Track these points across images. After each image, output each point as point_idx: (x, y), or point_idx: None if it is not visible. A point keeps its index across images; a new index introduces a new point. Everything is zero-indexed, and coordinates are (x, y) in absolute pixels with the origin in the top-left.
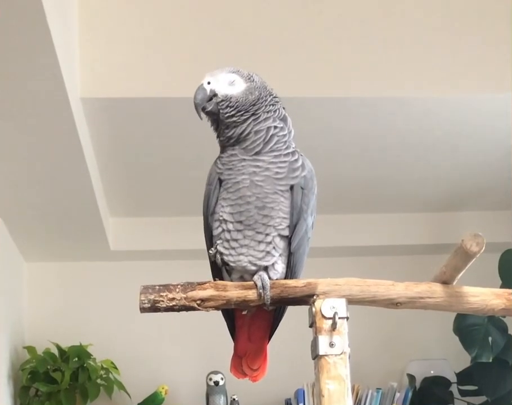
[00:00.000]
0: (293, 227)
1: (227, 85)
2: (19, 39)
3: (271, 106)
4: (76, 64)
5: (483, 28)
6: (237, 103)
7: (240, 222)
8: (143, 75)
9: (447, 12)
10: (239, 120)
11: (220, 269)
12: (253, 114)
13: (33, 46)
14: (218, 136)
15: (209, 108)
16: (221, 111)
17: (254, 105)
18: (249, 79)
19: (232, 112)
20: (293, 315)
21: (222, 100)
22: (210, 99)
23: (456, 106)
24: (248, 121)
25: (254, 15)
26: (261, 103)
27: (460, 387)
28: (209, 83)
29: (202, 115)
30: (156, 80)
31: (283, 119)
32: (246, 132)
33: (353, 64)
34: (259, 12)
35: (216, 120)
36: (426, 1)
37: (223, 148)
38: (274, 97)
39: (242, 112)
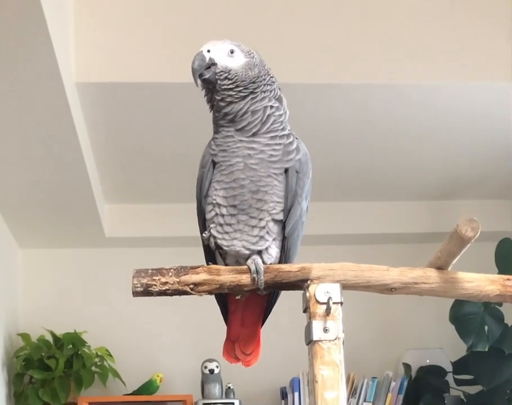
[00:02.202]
0: (287, 211)
1: (227, 55)
2: (13, 24)
3: (268, 86)
4: (71, 49)
5: (481, 16)
6: (236, 77)
7: (234, 206)
8: (138, 60)
9: None
10: (237, 96)
11: (213, 253)
12: (251, 92)
13: (27, 31)
14: (211, 109)
15: (207, 76)
16: (218, 81)
17: (253, 83)
18: (249, 54)
19: (230, 86)
20: (290, 304)
21: (221, 71)
22: (208, 67)
23: (454, 94)
24: (246, 99)
25: (251, 1)
26: (260, 81)
27: (456, 376)
28: (208, 51)
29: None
30: (152, 65)
31: (279, 99)
32: (243, 111)
33: (349, 52)
34: None
35: (211, 90)
36: None
37: (217, 128)
38: (271, 77)
39: (241, 89)
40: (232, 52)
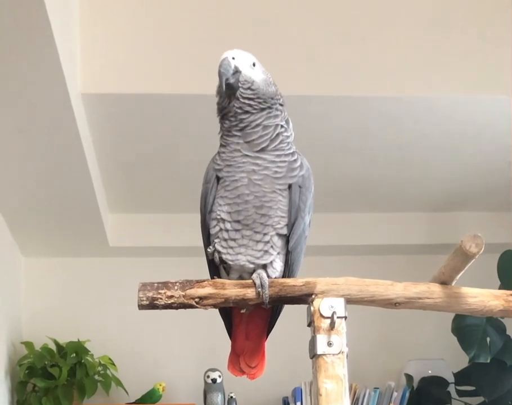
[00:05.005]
0: (291, 226)
1: (250, 67)
2: (20, 35)
3: (281, 106)
4: (77, 60)
5: (484, 29)
6: (258, 90)
7: (238, 221)
8: (143, 71)
9: (448, 12)
10: (256, 107)
11: (217, 267)
12: (269, 107)
13: (34, 42)
14: (223, 117)
15: (231, 81)
16: (241, 89)
17: (271, 98)
18: (266, 73)
19: (252, 96)
20: (292, 314)
21: (245, 80)
22: (233, 74)
23: (456, 106)
24: (263, 112)
25: (254, 13)
26: (277, 99)
27: (458, 387)
28: (233, 58)
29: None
30: (157, 76)
31: (287, 121)
32: (257, 122)
33: (354, 63)
34: (260, 10)
35: (230, 97)
36: (427, 2)
37: (226, 140)
38: (282, 100)
39: (261, 101)
40: (254, 64)
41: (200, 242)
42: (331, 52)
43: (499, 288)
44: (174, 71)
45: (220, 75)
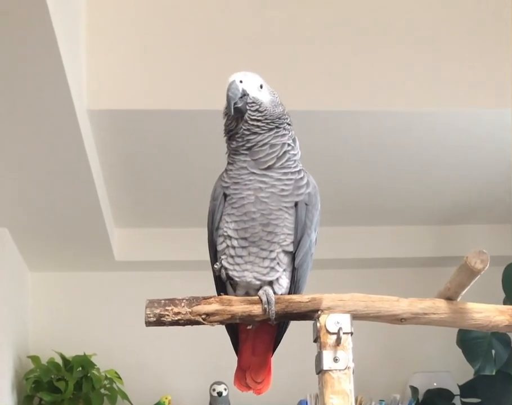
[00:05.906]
0: (297, 243)
1: (257, 89)
2: (26, 51)
3: (288, 126)
4: (83, 76)
5: (484, 42)
6: (265, 111)
7: (245, 239)
8: (149, 87)
9: (449, 25)
10: (264, 128)
11: (224, 284)
12: (276, 127)
13: (40, 58)
14: (231, 138)
15: (239, 105)
16: (249, 111)
17: (279, 119)
18: (273, 93)
19: (260, 118)
20: (297, 327)
21: (253, 102)
22: (240, 97)
23: (459, 120)
24: (271, 132)
25: (261, 29)
26: (284, 119)
27: (463, 399)
28: (241, 82)
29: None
30: (163, 92)
31: (294, 140)
32: (264, 142)
33: (358, 79)
34: (266, 27)
35: (238, 119)
36: (428, 16)
37: (233, 158)
38: (290, 119)
39: (269, 122)
40: (261, 86)
41: (206, 256)
42: (336, 67)
43: (504, 301)
44: (180, 87)
45: (228, 99)
